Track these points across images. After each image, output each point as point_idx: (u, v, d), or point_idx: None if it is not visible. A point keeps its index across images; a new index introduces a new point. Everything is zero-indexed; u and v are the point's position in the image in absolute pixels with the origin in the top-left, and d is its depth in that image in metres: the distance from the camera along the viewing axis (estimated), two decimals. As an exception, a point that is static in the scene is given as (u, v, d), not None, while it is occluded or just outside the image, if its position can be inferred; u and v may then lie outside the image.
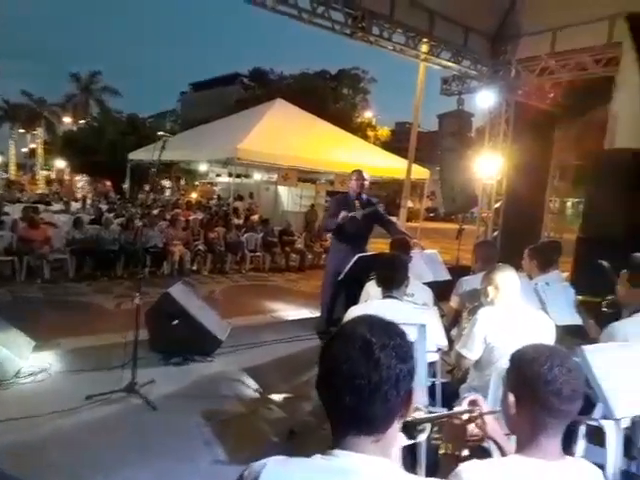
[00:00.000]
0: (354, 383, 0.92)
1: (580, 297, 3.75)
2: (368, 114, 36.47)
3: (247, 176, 17.45)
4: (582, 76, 7.95)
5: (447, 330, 3.31)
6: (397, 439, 1.02)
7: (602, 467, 2.34)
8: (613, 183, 5.94)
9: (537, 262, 3.98)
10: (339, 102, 33.80)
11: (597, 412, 2.55)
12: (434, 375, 2.91)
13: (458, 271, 4.79)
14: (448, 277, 4.59)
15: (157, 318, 4.46)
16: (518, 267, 3.90)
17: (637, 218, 5.32)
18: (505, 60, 8.28)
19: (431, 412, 1.69)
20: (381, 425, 0.95)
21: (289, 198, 14.84)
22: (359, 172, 5.17)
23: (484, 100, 8.69)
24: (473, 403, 1.53)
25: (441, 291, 3.96)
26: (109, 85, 36.95)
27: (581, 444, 2.74)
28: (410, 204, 12.50)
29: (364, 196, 5.12)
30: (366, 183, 5.14)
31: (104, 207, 12.97)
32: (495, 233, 8.84)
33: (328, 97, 31.62)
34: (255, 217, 11.76)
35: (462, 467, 1.25)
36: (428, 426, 1.41)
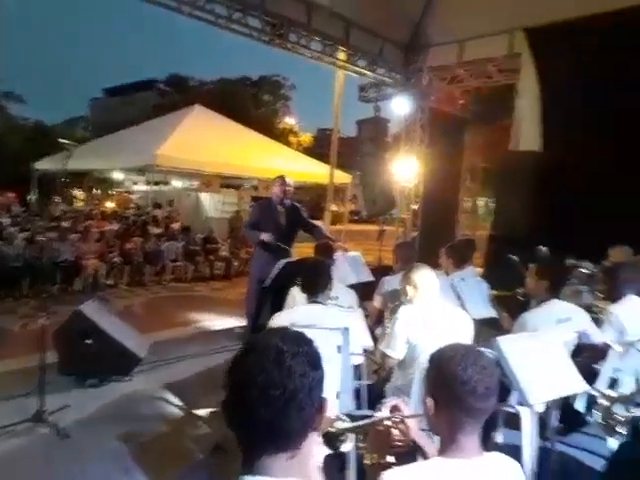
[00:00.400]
0: (269, 394, 0.88)
1: (494, 292, 3.96)
2: (290, 120, 36.63)
3: (166, 183, 16.83)
4: (488, 84, 8.49)
5: (372, 330, 3.35)
6: (313, 453, 0.98)
7: (520, 448, 2.47)
8: (517, 183, 6.38)
9: (453, 259, 4.16)
10: (260, 108, 33.65)
11: (513, 399, 2.68)
12: (360, 378, 2.92)
13: (381, 271, 4.88)
14: (371, 278, 4.65)
15: (67, 338, 4.12)
16: (437, 265, 4.05)
17: (540, 215, 5.73)
18: (417, 68, 8.63)
19: (355, 417, 1.66)
20: (297, 438, 0.92)
21: (211, 205, 14.47)
22: (282, 178, 5.17)
23: (399, 106, 9.00)
24: (394, 408, 1.51)
25: (365, 291, 4.01)
26: (11, 91, 34.13)
27: (500, 430, 2.87)
28: (334, 207, 12.67)
29: (288, 201, 5.14)
30: (289, 189, 5.16)
31: (6, 221, 11.88)
32: (414, 233, 9.16)
33: (249, 103, 31.37)
34: (176, 225, 11.30)
35: (384, 476, 1.23)
36: (352, 436, 1.38)
